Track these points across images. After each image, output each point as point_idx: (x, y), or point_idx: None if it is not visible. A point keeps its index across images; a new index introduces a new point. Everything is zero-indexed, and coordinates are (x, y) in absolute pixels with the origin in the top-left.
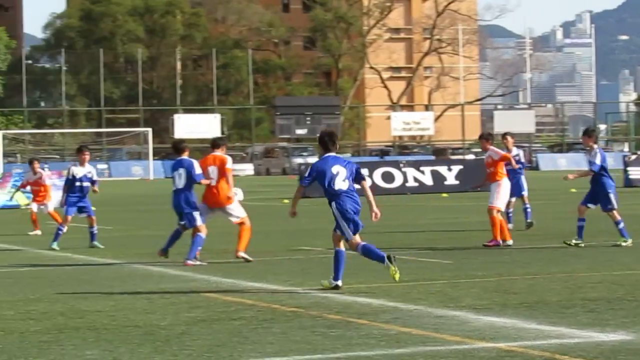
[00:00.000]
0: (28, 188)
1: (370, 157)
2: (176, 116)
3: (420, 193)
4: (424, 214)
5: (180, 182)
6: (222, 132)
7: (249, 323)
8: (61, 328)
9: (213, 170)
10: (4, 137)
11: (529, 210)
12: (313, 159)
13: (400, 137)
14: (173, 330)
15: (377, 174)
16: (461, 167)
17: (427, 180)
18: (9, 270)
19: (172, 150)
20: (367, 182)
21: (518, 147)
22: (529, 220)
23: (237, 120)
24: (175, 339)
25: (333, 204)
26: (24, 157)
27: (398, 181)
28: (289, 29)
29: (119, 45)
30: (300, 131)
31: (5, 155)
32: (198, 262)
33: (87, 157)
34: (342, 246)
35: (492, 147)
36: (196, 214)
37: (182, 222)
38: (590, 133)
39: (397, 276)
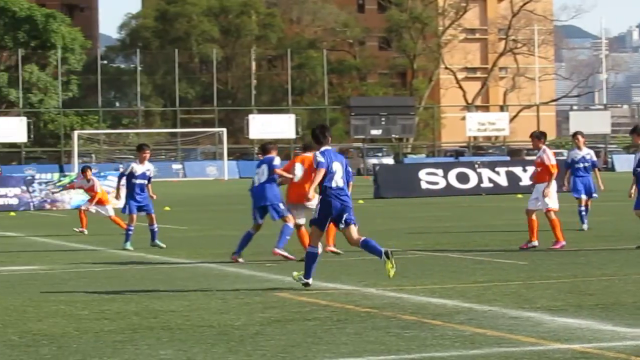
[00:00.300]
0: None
1: (445, 157)
2: (251, 116)
3: (495, 194)
4: (499, 215)
5: (263, 177)
6: (297, 133)
7: (323, 323)
8: (135, 328)
9: (299, 168)
10: (79, 137)
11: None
12: (388, 160)
13: (475, 138)
14: (247, 330)
15: (452, 174)
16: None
17: (502, 181)
18: (83, 269)
19: (260, 151)
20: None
21: (590, 147)
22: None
23: (311, 120)
24: (249, 339)
25: (322, 197)
26: (99, 157)
27: (473, 182)
28: (364, 29)
29: (194, 45)
30: (375, 131)
31: (80, 155)
32: (286, 253)
33: (148, 155)
34: (319, 246)
35: (545, 148)
36: (282, 204)
37: (259, 222)
38: (639, 131)
39: (391, 273)
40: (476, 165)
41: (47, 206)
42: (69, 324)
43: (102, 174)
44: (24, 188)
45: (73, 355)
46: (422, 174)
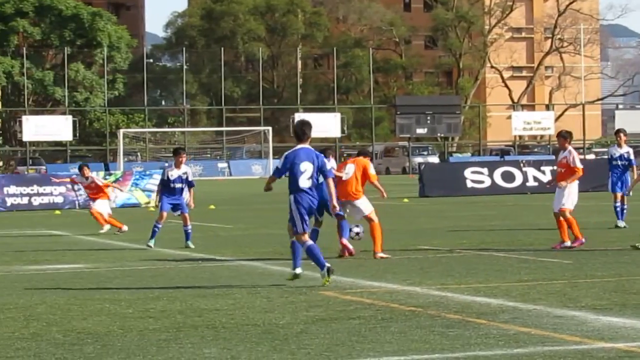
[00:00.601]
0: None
1: (490, 156)
2: (297, 115)
3: (540, 193)
4: (545, 214)
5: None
6: (342, 132)
7: (367, 322)
8: (180, 326)
9: (350, 168)
10: (125, 135)
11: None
12: (433, 159)
13: (521, 137)
14: (291, 329)
15: (497, 173)
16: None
17: (548, 179)
18: (128, 268)
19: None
20: (332, 181)
21: (634, 146)
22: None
23: (357, 119)
24: (294, 337)
25: (292, 197)
26: (144, 155)
27: (518, 181)
28: (410, 28)
29: (239, 44)
30: (421, 130)
31: (125, 153)
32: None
33: (184, 159)
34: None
35: (571, 149)
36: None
37: (321, 219)
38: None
39: (325, 284)
40: (521, 164)
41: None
42: (114, 322)
43: (147, 172)
44: (69, 186)
45: (117, 354)
46: (468, 172)
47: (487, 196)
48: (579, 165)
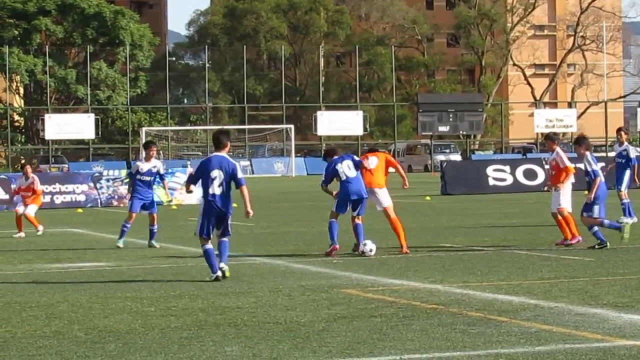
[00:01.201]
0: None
1: (512, 154)
2: (319, 113)
3: None
4: None
5: (352, 172)
6: (365, 129)
7: (389, 320)
8: (201, 324)
9: (373, 160)
10: (147, 133)
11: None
12: (455, 156)
13: (543, 135)
14: (313, 327)
15: (519, 171)
16: (603, 164)
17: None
18: (150, 266)
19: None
20: (245, 188)
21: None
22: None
23: (379, 117)
24: (315, 335)
25: (202, 200)
26: (167, 153)
27: (540, 178)
28: (432, 26)
29: (262, 42)
30: (443, 128)
31: None
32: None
33: (154, 153)
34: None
35: (558, 150)
36: None
37: (357, 213)
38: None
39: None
40: (544, 162)
41: (115, 203)
42: (135, 320)
43: (169, 170)
44: (92, 184)
45: (139, 352)
46: (490, 170)
47: (509, 194)
48: (569, 164)
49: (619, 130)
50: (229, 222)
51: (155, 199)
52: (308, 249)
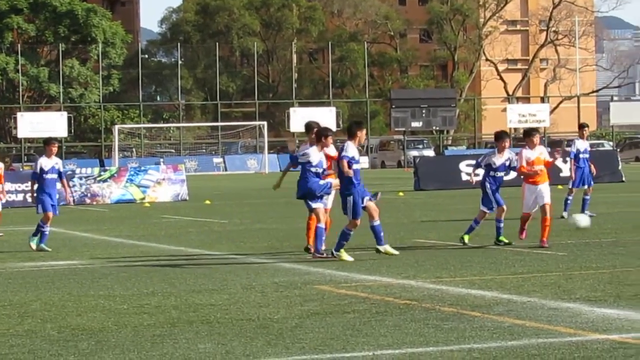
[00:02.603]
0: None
1: (485, 149)
2: (292, 110)
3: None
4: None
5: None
6: (338, 125)
7: (362, 316)
8: (174, 322)
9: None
10: (120, 131)
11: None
12: (429, 152)
13: (516, 129)
14: (286, 323)
15: None
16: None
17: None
18: (123, 264)
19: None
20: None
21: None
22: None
23: (352, 113)
24: (288, 332)
25: None
26: (140, 151)
27: (512, 173)
28: (405, 21)
29: (234, 39)
30: (416, 124)
31: (120, 149)
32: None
33: (55, 149)
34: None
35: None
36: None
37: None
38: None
39: None
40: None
41: (87, 201)
42: (108, 318)
43: (142, 168)
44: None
45: (112, 350)
46: (463, 165)
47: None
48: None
49: (581, 126)
50: None
51: (129, 197)
52: (281, 245)
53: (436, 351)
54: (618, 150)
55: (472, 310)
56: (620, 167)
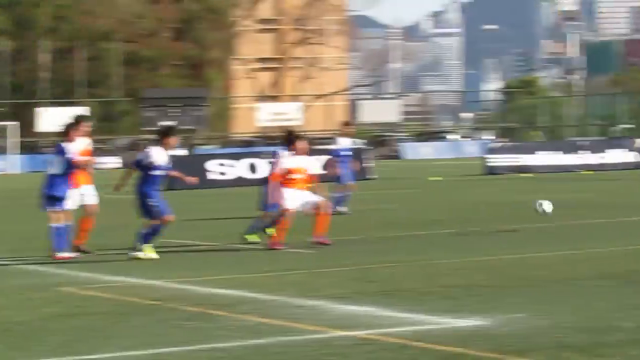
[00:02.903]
0: None
1: (237, 148)
2: (42, 109)
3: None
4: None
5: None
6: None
7: (107, 317)
8: None
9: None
10: None
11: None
12: (182, 151)
13: (271, 128)
14: (29, 326)
15: (242, 165)
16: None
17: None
18: None
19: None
20: None
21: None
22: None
23: (105, 112)
24: (32, 334)
25: None
26: None
27: (262, 172)
28: (157, 20)
29: None
30: (167, 123)
31: None
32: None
33: None
34: None
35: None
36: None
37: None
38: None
39: None
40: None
41: None
42: None
43: None
44: None
45: None
46: (210, 164)
47: (231, 188)
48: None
49: (346, 122)
50: None
51: None
52: (23, 248)
53: (179, 351)
54: (369, 148)
55: (217, 310)
56: (370, 165)
